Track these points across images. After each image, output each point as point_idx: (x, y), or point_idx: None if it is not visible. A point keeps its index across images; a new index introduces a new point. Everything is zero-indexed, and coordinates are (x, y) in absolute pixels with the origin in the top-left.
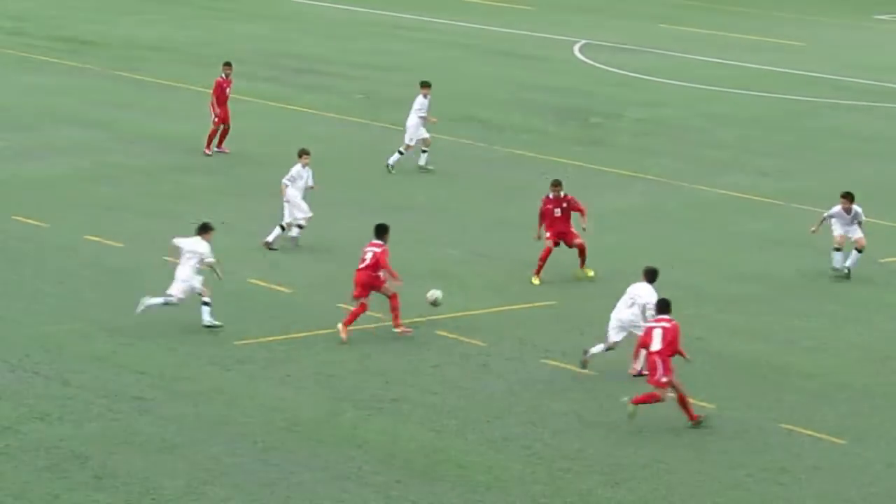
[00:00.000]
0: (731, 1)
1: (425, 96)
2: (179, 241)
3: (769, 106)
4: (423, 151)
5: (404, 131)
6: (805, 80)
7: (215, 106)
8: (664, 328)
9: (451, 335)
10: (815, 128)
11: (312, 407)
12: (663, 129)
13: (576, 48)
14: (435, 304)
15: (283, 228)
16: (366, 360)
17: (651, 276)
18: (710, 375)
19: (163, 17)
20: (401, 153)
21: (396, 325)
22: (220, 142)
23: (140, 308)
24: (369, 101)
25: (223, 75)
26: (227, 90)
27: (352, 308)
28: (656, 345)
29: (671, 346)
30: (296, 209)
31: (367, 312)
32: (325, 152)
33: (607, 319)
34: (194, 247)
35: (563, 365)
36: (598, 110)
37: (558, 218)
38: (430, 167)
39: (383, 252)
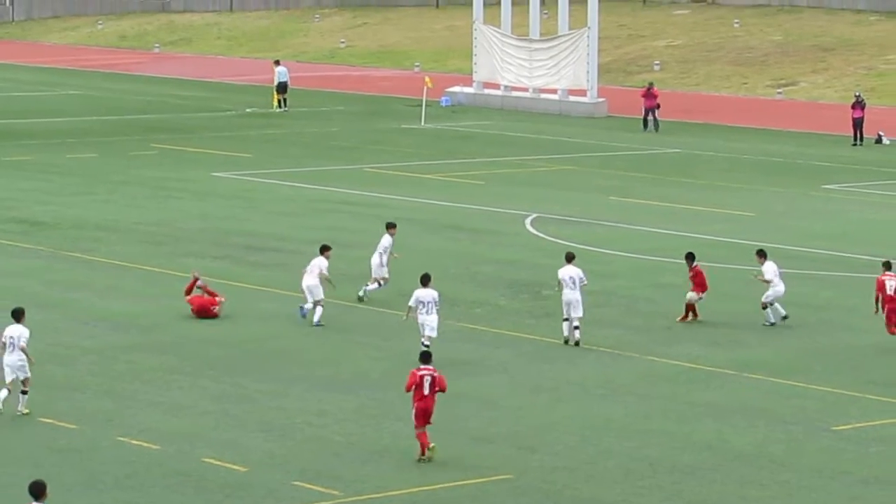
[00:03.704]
0: (679, 172)
1: (391, 236)
2: None
3: (720, 276)
4: (376, 284)
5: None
6: (755, 250)
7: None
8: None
9: None
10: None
11: None
12: (613, 300)
13: (527, 221)
14: None
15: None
16: None
17: None
18: None
19: (114, 197)
20: (379, 285)
21: None
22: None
23: None
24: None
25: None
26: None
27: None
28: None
29: None
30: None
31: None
32: (279, 330)
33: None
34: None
35: None
36: (549, 283)
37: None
38: (365, 298)
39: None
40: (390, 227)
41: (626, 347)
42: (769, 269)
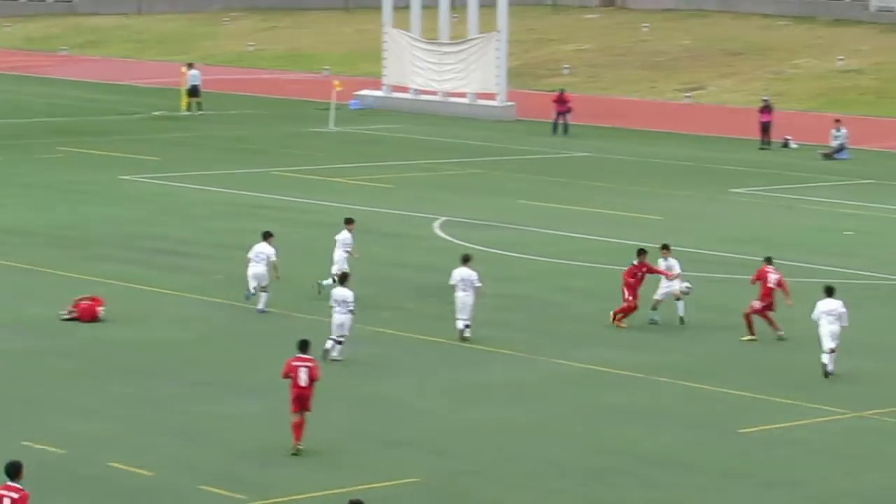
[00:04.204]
0: (588, 176)
1: (350, 231)
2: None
3: None
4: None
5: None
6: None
7: None
8: None
9: None
10: (672, 301)
11: None
12: (523, 304)
13: (435, 225)
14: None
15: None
16: None
17: None
18: None
19: (20, 200)
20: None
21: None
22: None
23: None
24: (229, 282)
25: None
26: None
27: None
28: None
29: None
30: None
31: None
32: (188, 333)
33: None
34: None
35: None
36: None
37: None
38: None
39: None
40: (348, 222)
41: (534, 351)
42: (675, 264)
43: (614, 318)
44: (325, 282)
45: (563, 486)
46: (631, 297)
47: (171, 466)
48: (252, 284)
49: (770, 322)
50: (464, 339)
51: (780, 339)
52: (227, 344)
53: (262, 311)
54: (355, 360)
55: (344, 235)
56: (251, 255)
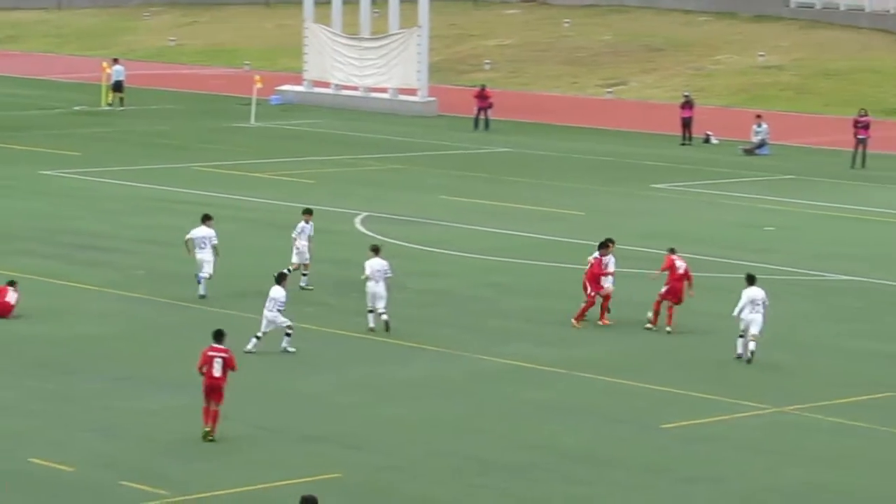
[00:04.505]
0: (510, 171)
1: (307, 222)
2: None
3: (550, 275)
4: (304, 274)
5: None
6: (585, 249)
7: None
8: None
9: None
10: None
11: None
12: (445, 300)
13: (357, 220)
14: None
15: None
16: None
17: None
18: None
19: None
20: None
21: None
22: None
23: None
24: (150, 277)
25: None
26: None
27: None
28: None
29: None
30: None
31: None
32: (108, 329)
33: None
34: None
35: None
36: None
37: None
38: (309, 287)
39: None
40: (306, 213)
41: (457, 346)
42: (611, 261)
43: (580, 319)
44: (298, 277)
45: (485, 482)
46: (593, 293)
47: (91, 462)
48: (204, 271)
49: (669, 314)
50: (387, 328)
51: (668, 332)
52: (148, 339)
53: (202, 297)
54: (276, 355)
55: (303, 226)
56: (194, 238)
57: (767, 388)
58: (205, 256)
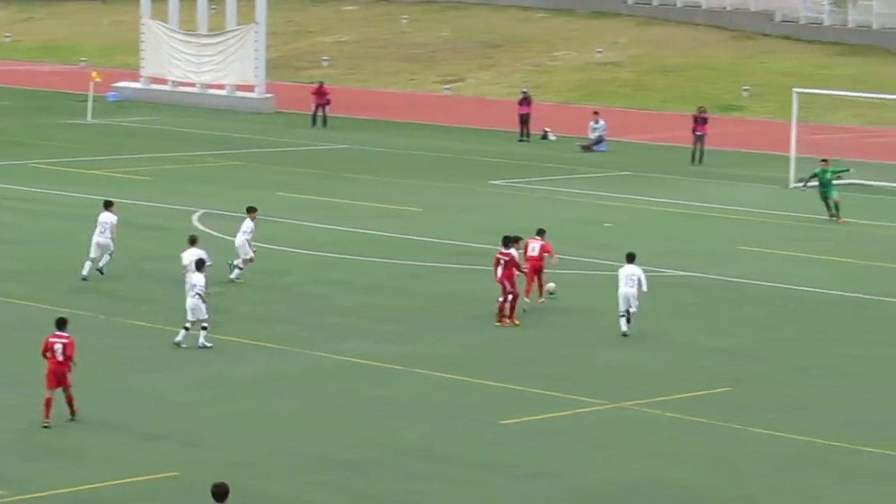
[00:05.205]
0: (348, 168)
1: (252, 220)
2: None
3: (388, 271)
4: (240, 269)
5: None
6: (422, 245)
7: None
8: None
9: None
10: (432, 293)
11: None
12: (283, 297)
13: (194, 217)
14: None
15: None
16: None
17: None
18: None
19: None
20: (240, 269)
21: None
22: None
23: None
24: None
25: None
26: None
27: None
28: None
29: None
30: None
31: None
32: None
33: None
34: None
35: None
36: (217, 280)
37: None
38: (239, 280)
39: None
40: (251, 210)
41: (295, 343)
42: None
43: (506, 317)
44: (237, 270)
45: (324, 478)
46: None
47: None
48: (93, 253)
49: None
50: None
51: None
52: None
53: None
54: (114, 354)
55: (247, 224)
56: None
57: (607, 384)
58: (101, 240)
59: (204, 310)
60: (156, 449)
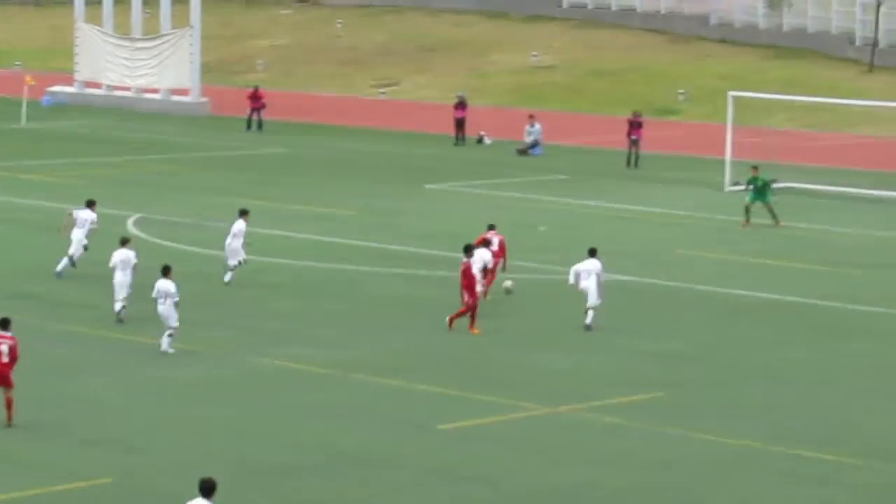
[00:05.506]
0: (283, 172)
1: (245, 221)
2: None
3: (323, 275)
4: (231, 270)
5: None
6: (359, 249)
7: None
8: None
9: None
10: (367, 296)
11: None
12: (217, 301)
13: (129, 222)
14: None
15: None
16: None
17: None
18: None
19: None
20: (239, 264)
21: None
22: None
23: None
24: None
25: None
26: None
27: None
28: None
29: None
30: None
31: None
32: None
33: None
34: None
35: None
36: (151, 284)
37: None
38: (230, 284)
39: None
40: (243, 213)
41: (230, 348)
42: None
43: (451, 323)
44: (231, 273)
45: (259, 483)
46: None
47: None
48: (73, 249)
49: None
50: (120, 320)
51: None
52: None
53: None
54: (50, 359)
55: (240, 225)
56: (74, 219)
57: (544, 389)
58: (80, 235)
59: (175, 317)
60: (90, 455)
